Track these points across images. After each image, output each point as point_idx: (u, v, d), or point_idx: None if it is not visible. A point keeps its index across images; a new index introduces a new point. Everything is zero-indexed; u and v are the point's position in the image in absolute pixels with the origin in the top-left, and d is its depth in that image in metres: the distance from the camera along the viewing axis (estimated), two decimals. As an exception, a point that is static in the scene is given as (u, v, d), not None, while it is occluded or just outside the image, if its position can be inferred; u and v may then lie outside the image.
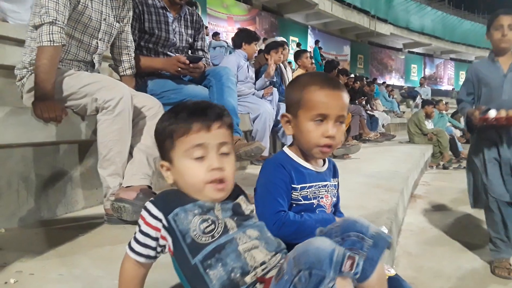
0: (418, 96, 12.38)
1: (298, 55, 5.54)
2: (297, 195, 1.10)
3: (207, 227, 0.82)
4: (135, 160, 1.85)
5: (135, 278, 0.90)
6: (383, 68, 26.13)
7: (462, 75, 31.36)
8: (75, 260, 1.40)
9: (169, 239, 0.84)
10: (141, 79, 2.35)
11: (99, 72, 2.07)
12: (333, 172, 1.21)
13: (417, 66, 28.02)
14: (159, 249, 0.87)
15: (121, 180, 1.81)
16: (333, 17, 19.89)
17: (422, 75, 23.41)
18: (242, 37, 4.22)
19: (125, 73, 2.20)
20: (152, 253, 0.87)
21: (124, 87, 1.80)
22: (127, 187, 1.79)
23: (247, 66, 4.14)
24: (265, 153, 3.52)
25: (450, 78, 30.95)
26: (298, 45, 15.24)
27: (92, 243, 1.58)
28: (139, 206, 1.70)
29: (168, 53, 2.45)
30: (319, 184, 1.13)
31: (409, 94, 13.81)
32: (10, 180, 1.73)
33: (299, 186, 1.10)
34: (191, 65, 2.25)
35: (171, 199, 0.86)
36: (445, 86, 30.00)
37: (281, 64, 4.81)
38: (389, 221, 1.97)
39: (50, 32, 1.71)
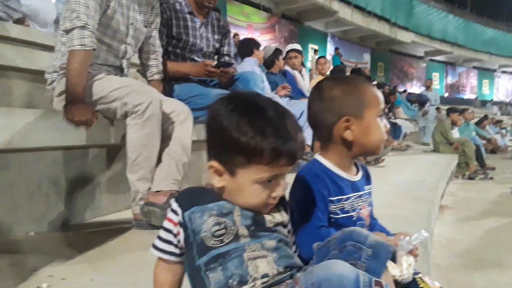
0: (428, 103, 10.92)
1: (316, 61, 5.64)
2: (335, 208, 1.03)
3: (217, 230, 0.78)
4: (164, 165, 1.83)
5: (167, 283, 0.86)
6: (403, 76, 25.84)
7: (485, 84, 30.83)
8: (106, 265, 1.39)
9: (182, 235, 0.81)
10: (168, 84, 2.35)
11: (127, 77, 2.08)
12: (367, 179, 1.14)
13: (439, 74, 27.59)
14: (180, 245, 0.83)
15: (150, 185, 1.80)
16: (353, 25, 19.80)
17: (444, 83, 23.10)
18: (250, 44, 4.27)
19: (153, 78, 2.20)
20: (175, 250, 0.83)
21: (153, 92, 1.80)
22: (156, 191, 1.77)
23: (260, 71, 4.13)
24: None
25: (473, 86, 30.39)
26: (315, 52, 15.18)
27: (122, 248, 1.58)
28: (169, 211, 1.69)
29: (195, 58, 2.46)
30: (355, 195, 1.07)
31: (418, 99, 11.53)
32: (40, 183, 1.74)
33: (335, 198, 1.03)
34: (220, 69, 2.24)
35: (192, 197, 0.83)
36: (468, 95, 29.47)
37: (295, 71, 4.86)
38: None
39: (82, 36, 1.71)
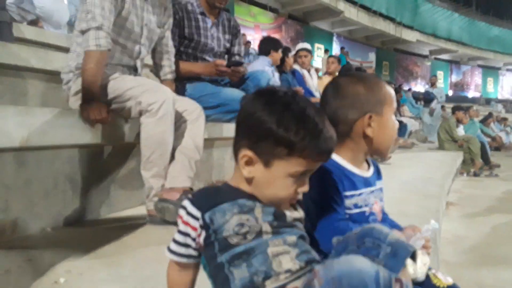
0: (435, 100, 10.45)
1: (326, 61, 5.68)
2: (349, 203, 1.04)
3: (241, 229, 0.78)
4: (177, 162, 1.87)
5: (181, 284, 0.87)
6: (408, 75, 25.78)
7: (490, 82, 30.66)
8: (122, 260, 1.41)
9: (203, 236, 0.80)
10: (180, 83, 2.39)
11: (141, 76, 2.12)
12: (378, 175, 1.16)
13: (444, 72, 27.49)
14: (198, 246, 0.82)
15: (163, 182, 1.84)
16: (358, 25, 19.78)
17: (449, 82, 23.01)
18: (270, 44, 4.28)
19: (166, 77, 2.24)
20: (193, 252, 0.83)
21: (167, 91, 1.83)
22: (170, 188, 1.81)
23: (272, 71, 4.17)
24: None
25: (477, 85, 30.24)
26: (326, 51, 15.19)
27: (137, 243, 1.60)
28: (182, 207, 1.73)
29: (207, 58, 2.50)
30: (367, 190, 1.09)
31: (425, 97, 11.01)
32: (56, 180, 1.77)
33: (349, 193, 1.04)
34: (231, 68, 2.28)
35: (210, 197, 0.81)
36: (472, 93, 29.33)
37: (304, 70, 4.88)
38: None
39: (97, 37, 1.75)
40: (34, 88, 2.50)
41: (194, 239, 0.81)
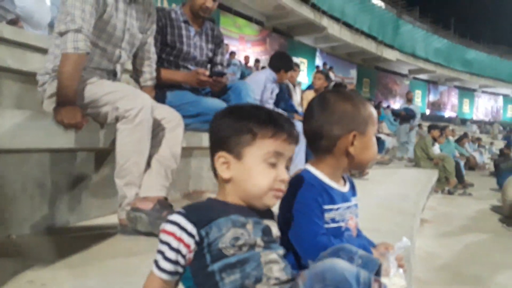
0: (417, 118, 10.06)
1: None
2: (327, 217, 1.04)
3: (237, 241, 0.80)
4: (153, 171, 1.83)
5: None
6: (388, 93, 26.29)
7: (466, 103, 31.53)
8: (88, 271, 1.36)
9: (195, 250, 0.80)
10: (160, 91, 2.36)
11: (120, 82, 2.08)
12: (353, 191, 1.17)
13: (421, 92, 28.17)
14: (186, 263, 0.82)
15: (137, 190, 1.79)
16: (341, 41, 20.15)
17: (426, 101, 23.51)
18: (283, 63, 4.08)
19: (146, 84, 2.21)
20: (180, 269, 0.81)
21: (145, 98, 1.80)
22: (143, 197, 1.77)
23: (273, 88, 4.05)
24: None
25: (453, 105, 31.06)
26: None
27: (105, 254, 1.55)
28: (155, 217, 1.69)
29: (189, 66, 2.47)
30: (344, 205, 1.09)
31: (407, 113, 10.07)
32: (24, 184, 1.71)
33: (327, 207, 1.04)
34: (213, 78, 2.26)
35: (205, 213, 0.82)
36: (449, 113, 30.09)
37: (290, 84, 4.87)
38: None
39: (76, 40, 1.71)
40: (9, 88, 2.43)
41: (184, 256, 0.79)
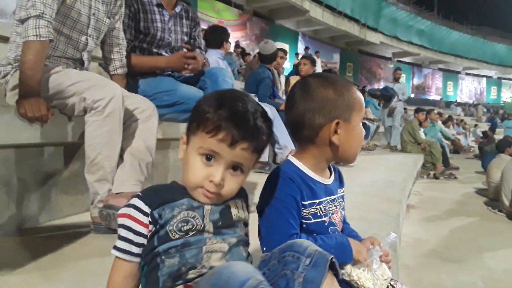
0: (395, 98, 8.57)
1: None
2: (307, 213, 0.98)
3: (184, 226, 0.80)
4: (126, 165, 1.73)
5: (128, 277, 0.83)
6: (372, 77, 26.42)
7: (450, 86, 31.88)
8: (59, 273, 1.30)
9: (152, 230, 0.80)
10: (132, 79, 2.23)
11: (88, 70, 1.96)
12: (340, 182, 1.11)
13: (406, 75, 28.33)
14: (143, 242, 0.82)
15: (110, 186, 1.70)
16: (323, 25, 20.06)
17: (411, 84, 23.66)
18: (222, 35, 4.12)
19: (115, 72, 2.09)
20: (135, 249, 0.81)
21: (115, 87, 1.69)
22: (117, 193, 1.67)
23: (225, 65, 4.05)
24: (264, 159, 3.42)
25: (438, 88, 31.40)
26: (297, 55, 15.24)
27: (78, 254, 1.48)
28: (130, 214, 1.60)
29: (163, 53, 2.34)
30: (328, 199, 1.03)
31: (383, 94, 8.80)
32: (-11, 184, 1.60)
33: (308, 202, 0.98)
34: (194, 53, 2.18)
35: (160, 194, 0.83)
36: (433, 96, 30.41)
37: (274, 70, 4.75)
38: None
39: (37, 26, 1.59)
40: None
41: (141, 235, 0.80)
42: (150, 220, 0.80)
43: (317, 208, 1.00)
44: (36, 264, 1.36)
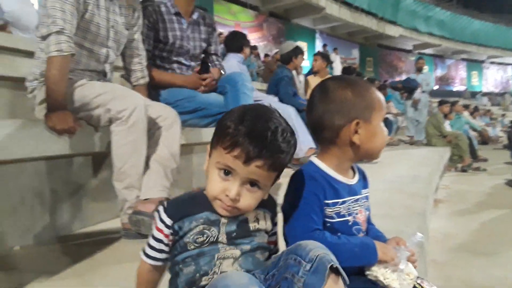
0: (419, 90, 8.14)
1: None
2: (330, 211, 0.99)
3: (199, 238, 0.84)
4: (152, 172, 1.78)
5: (151, 282, 0.93)
6: (392, 71, 25.99)
7: (475, 75, 31.10)
8: (93, 279, 1.35)
9: (173, 240, 0.86)
10: (154, 90, 2.29)
11: (111, 81, 2.02)
12: (364, 183, 1.11)
13: (428, 67, 27.73)
14: (169, 249, 0.89)
15: (138, 193, 1.75)
16: (340, 21, 19.84)
17: (434, 76, 23.12)
18: (242, 40, 4.18)
19: (137, 83, 2.14)
20: (161, 255, 0.89)
21: (138, 97, 1.74)
22: (145, 199, 1.72)
23: (245, 68, 4.11)
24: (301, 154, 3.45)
25: (462, 78, 30.65)
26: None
27: (110, 260, 1.53)
28: (158, 219, 1.64)
29: (183, 61, 2.40)
30: (352, 199, 1.03)
31: (405, 86, 8.44)
32: (23, 195, 1.68)
33: (331, 201, 0.99)
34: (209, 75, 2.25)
35: (182, 207, 0.86)
36: (458, 87, 29.71)
37: (292, 71, 4.77)
38: (419, 230, 1.87)
39: (58, 42, 1.66)
40: (1, 96, 2.38)
41: (167, 245, 0.86)
42: (172, 231, 0.85)
43: (340, 208, 1.00)
44: (72, 270, 1.42)
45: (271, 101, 3.91)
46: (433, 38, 25.80)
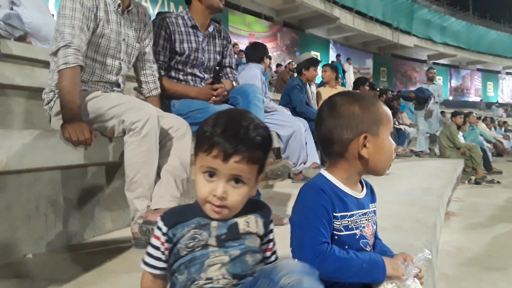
0: (431, 100, 7.76)
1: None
2: (339, 224, 1.00)
3: (190, 243, 0.87)
4: (163, 182, 1.81)
5: (156, 279, 0.93)
6: (407, 80, 25.84)
7: (490, 86, 30.70)
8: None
9: (169, 248, 0.89)
10: (167, 100, 2.34)
11: (124, 92, 2.07)
12: (371, 197, 1.12)
13: (443, 77, 27.52)
14: (166, 258, 0.91)
15: (149, 203, 1.77)
16: (355, 31, 19.86)
17: (448, 87, 22.93)
18: (263, 51, 4.20)
19: (150, 94, 2.19)
20: (160, 264, 0.91)
21: (151, 108, 1.78)
22: (155, 209, 1.75)
23: (264, 79, 4.14)
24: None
25: (477, 89, 30.30)
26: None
27: (120, 269, 1.55)
28: (168, 229, 1.67)
29: (197, 73, 2.45)
30: (359, 212, 1.05)
31: (418, 95, 7.94)
32: (38, 203, 1.72)
33: (340, 214, 1.00)
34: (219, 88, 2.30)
35: (176, 215, 0.90)
36: (473, 98, 29.37)
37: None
38: (428, 244, 1.86)
39: (65, 55, 1.72)
40: (19, 106, 2.45)
41: (163, 252, 0.89)
42: (167, 238, 0.88)
43: (348, 221, 1.02)
44: (82, 279, 1.43)
45: (284, 112, 3.95)
46: (448, 48, 25.62)
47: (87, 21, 1.80)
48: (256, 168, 0.89)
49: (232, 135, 0.84)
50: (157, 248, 0.89)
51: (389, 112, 1.07)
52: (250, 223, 0.92)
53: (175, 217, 0.90)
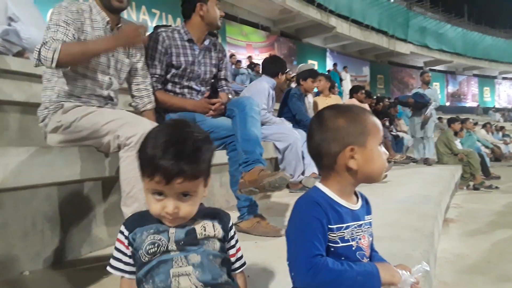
0: (431, 106, 7.52)
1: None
2: (335, 236, 1.00)
3: (151, 248, 0.89)
4: (159, 196, 1.81)
5: None
6: (404, 87, 25.93)
7: (487, 91, 30.84)
8: (99, 304, 1.35)
9: (132, 252, 0.93)
10: (163, 112, 2.36)
11: (117, 105, 2.10)
12: (367, 209, 1.13)
13: (439, 83, 27.66)
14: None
15: (145, 217, 1.77)
16: (351, 39, 20.01)
17: (445, 93, 23.01)
18: (280, 67, 4.18)
19: (145, 108, 2.21)
20: (125, 267, 0.95)
21: (147, 123, 1.79)
22: (151, 224, 1.75)
23: (272, 95, 4.14)
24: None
25: (474, 94, 30.43)
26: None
27: (117, 284, 1.53)
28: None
29: (194, 86, 2.49)
30: (355, 224, 1.05)
31: (417, 101, 7.63)
32: (34, 220, 1.71)
33: (335, 226, 1.01)
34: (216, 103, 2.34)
35: (136, 219, 0.95)
36: (470, 103, 29.48)
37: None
38: (426, 253, 1.86)
39: (48, 48, 1.70)
40: (16, 122, 2.46)
41: (130, 256, 0.93)
42: (128, 242, 0.92)
43: (344, 232, 1.02)
44: (79, 295, 1.43)
45: (285, 124, 3.97)
46: (444, 55, 25.79)
47: (72, 37, 1.81)
48: (202, 179, 0.92)
49: (172, 157, 0.85)
50: (120, 251, 0.93)
51: (378, 122, 1.08)
52: (206, 228, 0.95)
53: (135, 221, 0.94)
